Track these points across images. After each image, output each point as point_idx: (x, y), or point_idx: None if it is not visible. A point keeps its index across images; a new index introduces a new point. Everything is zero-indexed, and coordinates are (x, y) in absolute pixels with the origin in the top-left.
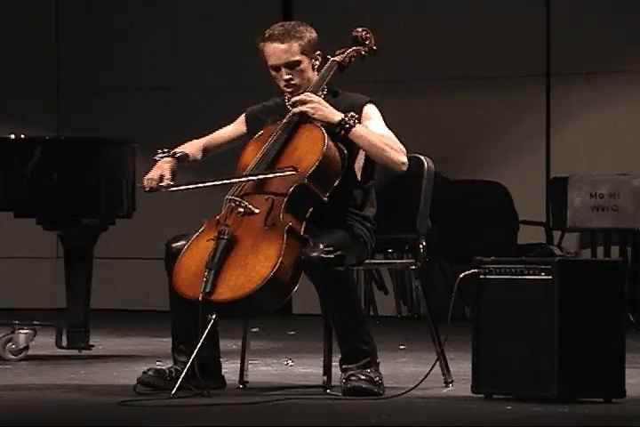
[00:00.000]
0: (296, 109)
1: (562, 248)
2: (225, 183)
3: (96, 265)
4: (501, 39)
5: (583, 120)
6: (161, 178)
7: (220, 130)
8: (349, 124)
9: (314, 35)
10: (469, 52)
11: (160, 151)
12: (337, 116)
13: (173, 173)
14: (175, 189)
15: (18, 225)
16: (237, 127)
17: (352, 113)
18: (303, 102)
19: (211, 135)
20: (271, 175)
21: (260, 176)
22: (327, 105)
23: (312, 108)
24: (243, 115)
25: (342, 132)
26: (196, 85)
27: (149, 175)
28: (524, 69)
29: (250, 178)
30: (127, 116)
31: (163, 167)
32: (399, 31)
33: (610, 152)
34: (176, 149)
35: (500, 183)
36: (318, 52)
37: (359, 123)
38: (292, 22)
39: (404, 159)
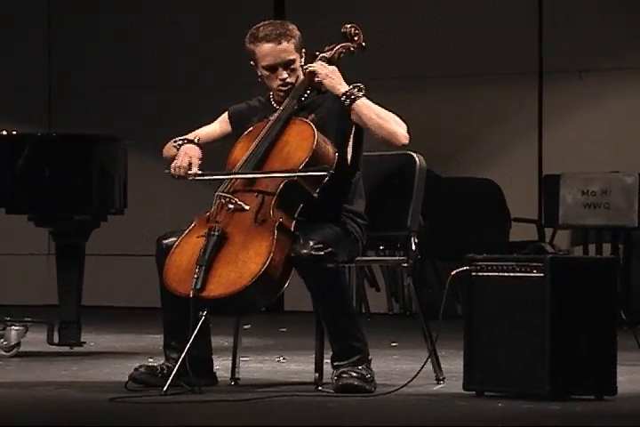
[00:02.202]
0: (310, 68)
1: (554, 246)
2: (255, 177)
3: (88, 262)
4: (494, 37)
5: (575, 118)
6: (189, 166)
7: (204, 128)
8: (355, 94)
9: (299, 33)
10: (462, 51)
11: (179, 139)
12: (345, 87)
13: (200, 161)
14: (203, 178)
15: (10, 222)
16: (222, 126)
17: (360, 84)
18: (318, 65)
19: (194, 133)
20: (303, 173)
21: (292, 174)
22: (339, 75)
23: (325, 73)
24: (225, 114)
25: (348, 101)
26: (195, 85)
27: (177, 163)
28: (517, 67)
29: (283, 175)
30: (126, 116)
31: (190, 154)
32: (392, 29)
33: (602, 150)
34: (190, 137)
35: (493, 181)
36: (304, 50)
37: (364, 95)
38: (278, 22)
39: (406, 133)
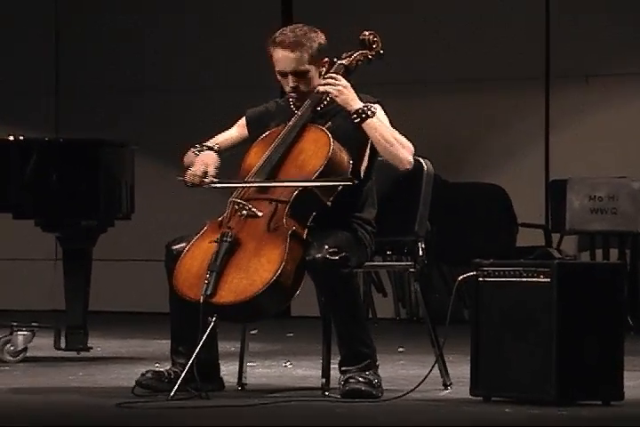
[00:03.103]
0: (321, 88)
1: (561, 251)
2: (270, 185)
3: (95, 267)
4: (500, 41)
5: (582, 122)
6: (204, 174)
7: (222, 134)
8: (367, 114)
9: (323, 40)
10: (469, 54)
11: (197, 146)
12: (357, 104)
13: (217, 169)
14: (218, 186)
15: (17, 227)
16: (239, 131)
17: (371, 104)
18: (331, 82)
19: (214, 140)
20: (325, 184)
21: (312, 184)
22: (352, 91)
23: (338, 90)
24: (243, 118)
25: (358, 120)
26: (197, 86)
27: (193, 170)
28: (523, 71)
29: (299, 184)
30: (128, 117)
31: (206, 162)
32: (398, 33)
33: (609, 155)
34: (209, 143)
35: (499, 186)
36: (326, 59)
37: (374, 116)
38: (304, 28)
39: (411, 159)
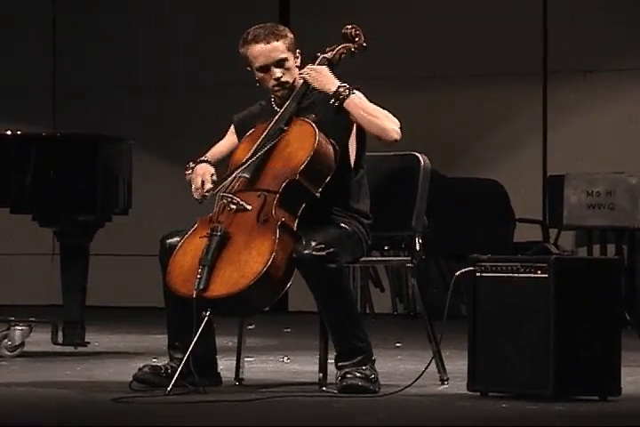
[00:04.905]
0: (299, 79)
1: (558, 246)
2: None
3: (92, 262)
4: (498, 37)
5: (579, 118)
6: (203, 184)
7: (215, 146)
8: (346, 92)
9: (292, 35)
10: (467, 50)
11: (189, 165)
12: (333, 85)
13: (212, 176)
14: (217, 189)
15: (14, 221)
16: (230, 139)
17: (346, 85)
18: (306, 71)
19: (210, 153)
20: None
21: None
22: (327, 73)
23: (312, 77)
24: (231, 126)
25: (339, 99)
26: (193, 85)
27: (194, 187)
28: (521, 67)
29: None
30: (124, 116)
31: (201, 174)
32: (396, 30)
33: (606, 150)
34: (202, 158)
35: (497, 181)
36: (299, 50)
37: (354, 93)
38: (268, 24)
39: (398, 129)
